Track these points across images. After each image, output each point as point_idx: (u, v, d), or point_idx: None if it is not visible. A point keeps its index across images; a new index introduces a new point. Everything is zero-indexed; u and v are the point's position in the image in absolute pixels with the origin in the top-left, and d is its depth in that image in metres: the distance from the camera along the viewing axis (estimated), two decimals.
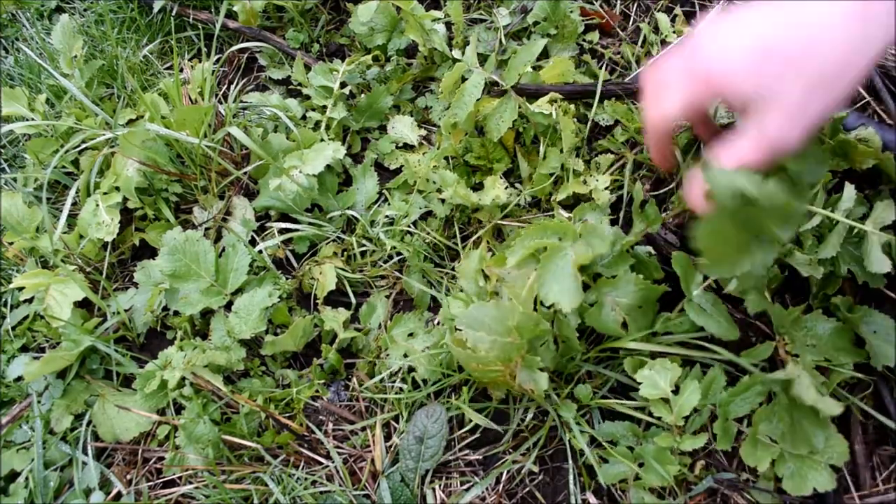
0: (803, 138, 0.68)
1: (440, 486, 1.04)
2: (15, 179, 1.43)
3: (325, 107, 1.37)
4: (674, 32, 1.37)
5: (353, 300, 1.22)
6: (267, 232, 1.29)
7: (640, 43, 1.38)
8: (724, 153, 0.73)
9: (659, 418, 0.94)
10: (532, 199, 1.23)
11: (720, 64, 0.69)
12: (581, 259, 0.90)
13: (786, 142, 0.68)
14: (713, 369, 0.97)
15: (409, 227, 1.23)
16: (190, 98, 1.39)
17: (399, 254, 1.22)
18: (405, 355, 1.12)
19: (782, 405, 0.89)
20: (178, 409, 1.16)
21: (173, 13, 1.61)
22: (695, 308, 0.94)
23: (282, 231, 1.27)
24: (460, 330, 0.91)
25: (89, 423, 1.15)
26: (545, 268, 0.92)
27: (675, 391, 0.93)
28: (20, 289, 1.24)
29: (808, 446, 0.87)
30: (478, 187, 1.25)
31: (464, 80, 1.18)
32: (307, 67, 1.44)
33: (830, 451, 0.87)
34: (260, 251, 1.24)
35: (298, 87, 1.48)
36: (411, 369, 1.11)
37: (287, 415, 1.13)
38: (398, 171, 1.33)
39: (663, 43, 1.36)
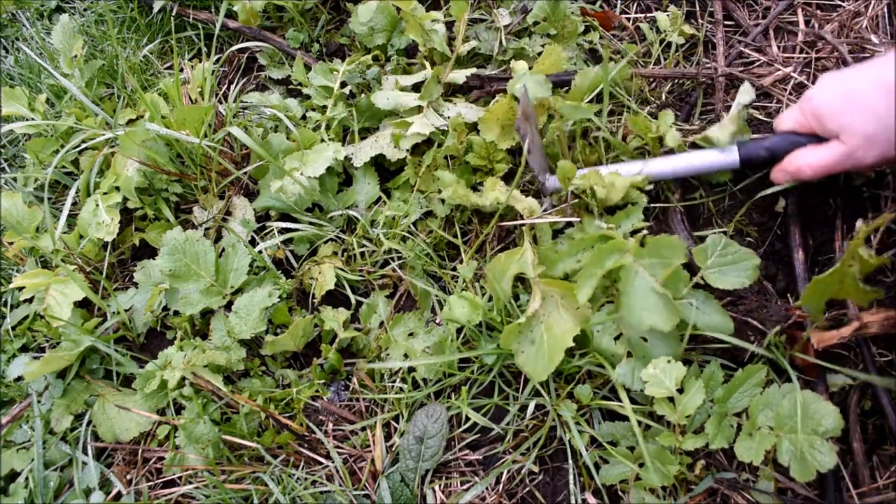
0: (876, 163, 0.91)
1: (440, 486, 1.04)
2: (15, 179, 1.43)
3: (325, 107, 1.37)
4: (673, 31, 1.37)
5: (353, 300, 1.22)
6: (267, 232, 1.29)
7: (640, 42, 1.38)
8: (809, 156, 0.97)
9: (661, 417, 0.94)
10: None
11: (817, 102, 0.95)
12: (665, 276, 0.88)
13: (858, 160, 0.92)
14: (710, 365, 0.97)
15: (409, 227, 1.23)
16: (190, 98, 1.39)
17: (399, 254, 1.22)
18: (405, 355, 1.12)
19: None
20: (178, 409, 1.16)
21: (173, 13, 1.61)
22: (686, 307, 0.94)
23: (282, 231, 1.27)
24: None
25: (89, 423, 1.15)
26: (626, 294, 0.91)
27: (680, 390, 0.93)
28: (20, 289, 1.24)
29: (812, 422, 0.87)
30: (479, 188, 1.25)
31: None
32: (307, 67, 1.44)
33: (824, 421, 0.87)
34: (260, 251, 1.24)
35: (298, 87, 1.47)
36: (411, 369, 1.11)
37: (287, 415, 1.13)
38: (398, 171, 1.33)
39: (663, 42, 1.36)
